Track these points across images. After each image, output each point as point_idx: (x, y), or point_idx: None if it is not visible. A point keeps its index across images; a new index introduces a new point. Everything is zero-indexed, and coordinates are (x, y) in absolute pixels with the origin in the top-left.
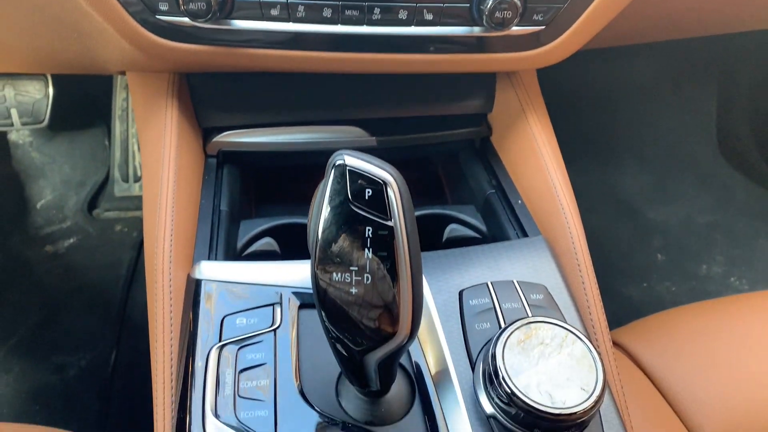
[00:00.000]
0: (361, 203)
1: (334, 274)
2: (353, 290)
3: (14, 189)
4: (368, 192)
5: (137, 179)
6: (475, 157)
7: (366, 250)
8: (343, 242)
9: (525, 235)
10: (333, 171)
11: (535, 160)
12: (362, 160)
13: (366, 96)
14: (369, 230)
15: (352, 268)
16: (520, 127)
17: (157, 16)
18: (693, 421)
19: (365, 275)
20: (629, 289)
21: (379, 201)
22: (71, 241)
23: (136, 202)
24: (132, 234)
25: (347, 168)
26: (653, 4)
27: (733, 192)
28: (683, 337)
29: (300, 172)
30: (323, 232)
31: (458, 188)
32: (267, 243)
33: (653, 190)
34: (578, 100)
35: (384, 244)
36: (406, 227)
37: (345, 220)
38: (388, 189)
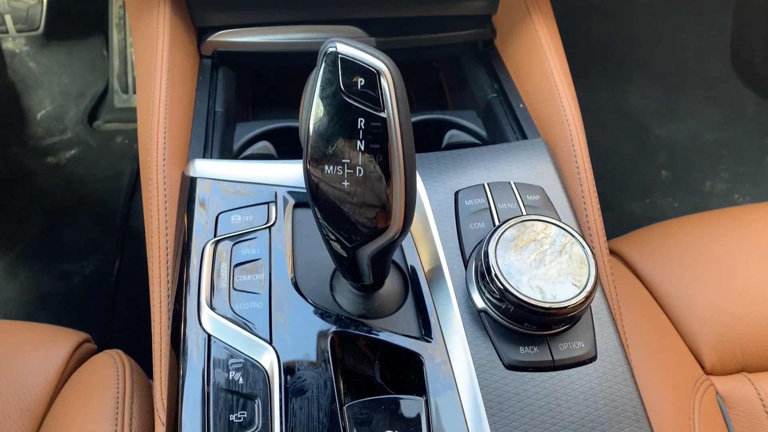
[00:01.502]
0: (353, 93)
1: (326, 168)
2: (345, 184)
3: (12, 99)
4: (361, 81)
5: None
6: (478, 61)
7: (358, 142)
8: (334, 134)
9: (525, 138)
10: (324, 59)
11: (540, 64)
12: (355, 48)
13: None
14: (361, 121)
15: (344, 161)
16: (525, 30)
17: None
18: (686, 327)
19: (357, 168)
20: (631, 205)
21: (371, 91)
22: (72, 152)
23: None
24: (133, 146)
25: (339, 56)
26: None
27: (743, 109)
28: (681, 246)
29: (298, 73)
30: (314, 123)
31: (459, 93)
32: (263, 146)
33: (661, 105)
34: (587, 12)
35: (376, 136)
36: (400, 118)
37: (336, 111)
38: (382, 78)
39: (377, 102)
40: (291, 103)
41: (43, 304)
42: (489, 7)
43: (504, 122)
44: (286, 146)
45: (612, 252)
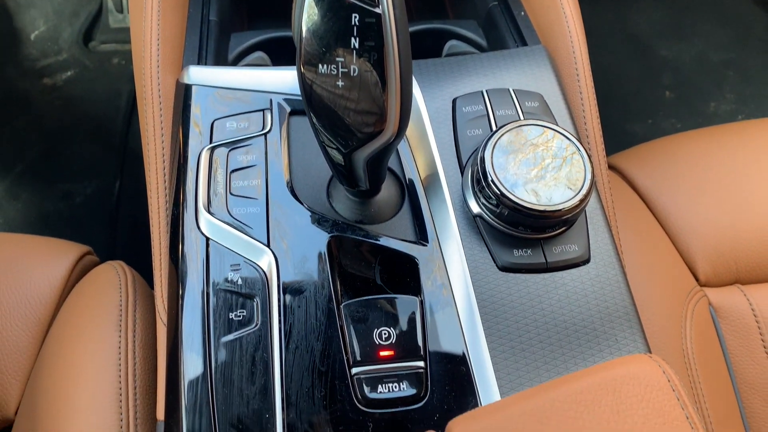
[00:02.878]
0: None
1: (320, 68)
2: (339, 84)
3: (4, 19)
4: None
5: None
6: None
7: (352, 40)
8: (328, 33)
9: (525, 45)
10: None
11: None
12: None
13: None
14: (355, 18)
15: (338, 60)
16: None
17: None
18: (682, 239)
19: (352, 68)
20: (634, 126)
21: None
22: (69, 73)
23: None
24: (130, 66)
25: None
26: None
27: (752, 29)
28: (681, 161)
29: None
30: (307, 22)
31: (459, 3)
32: (259, 57)
33: (668, 26)
34: None
35: (371, 32)
36: (395, 14)
37: (329, 7)
38: None
39: None
40: (287, 13)
41: (46, 224)
42: None
43: (505, 31)
44: (282, 57)
45: (611, 167)
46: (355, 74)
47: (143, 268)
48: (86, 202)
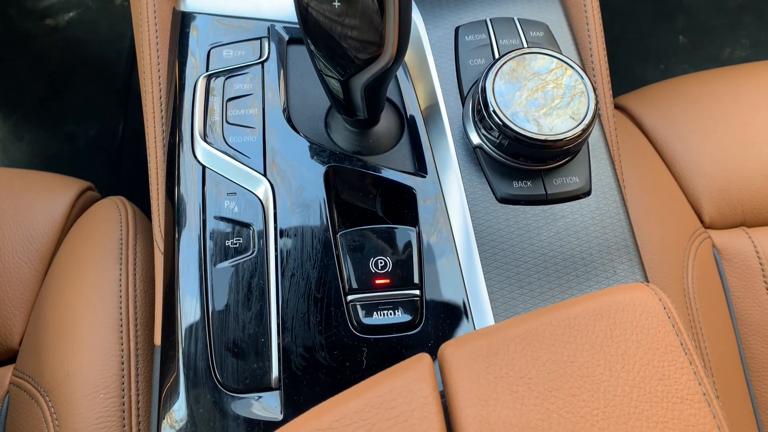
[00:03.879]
0: None
1: None
2: (336, 5)
3: None
4: None
5: None
6: None
7: None
8: None
9: None
10: None
11: None
12: None
13: None
14: None
15: None
16: None
17: None
18: (688, 180)
19: None
20: (645, 71)
21: None
22: (71, 14)
23: None
24: None
25: None
26: None
27: None
28: (690, 101)
29: None
30: None
31: None
32: None
33: None
34: None
35: None
36: None
37: None
38: None
39: None
40: None
41: (49, 166)
42: None
43: None
44: None
45: (618, 107)
46: None
47: (145, 205)
48: (90, 143)
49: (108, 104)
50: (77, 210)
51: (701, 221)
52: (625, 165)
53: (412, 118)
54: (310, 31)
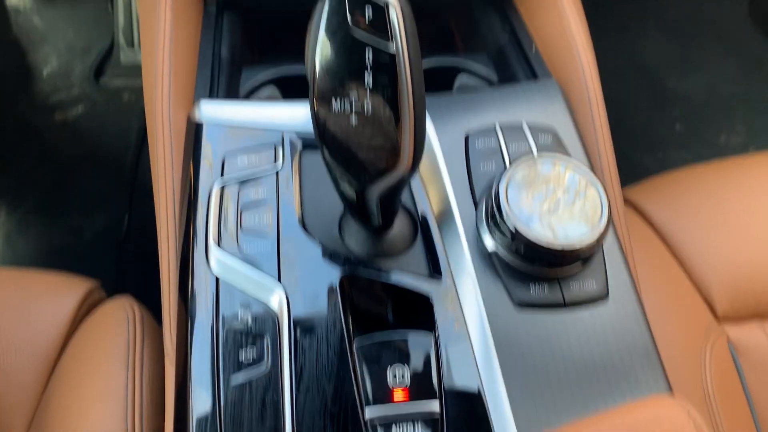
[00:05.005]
0: (360, 26)
1: (333, 104)
2: (353, 120)
3: (18, 56)
4: (368, 13)
5: None
6: (489, 5)
7: (366, 77)
8: (341, 70)
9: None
10: None
11: (554, 6)
12: None
13: None
14: (369, 55)
15: (351, 97)
16: None
17: None
18: (699, 274)
19: (365, 104)
20: (644, 159)
21: (380, 23)
22: (79, 109)
23: None
24: (140, 102)
25: None
26: None
27: (760, 61)
28: (696, 194)
29: (305, 16)
30: (320, 59)
31: (470, 38)
32: (270, 92)
33: (676, 57)
34: None
35: (385, 70)
36: (409, 53)
37: (343, 45)
38: (391, 10)
39: (386, 35)
40: (298, 47)
41: (55, 258)
42: None
43: (516, 66)
44: (292, 91)
45: (624, 200)
46: (369, 111)
47: (150, 302)
48: (95, 236)
49: (114, 196)
50: (83, 311)
51: (714, 314)
52: (635, 259)
53: (426, 221)
54: (327, 143)
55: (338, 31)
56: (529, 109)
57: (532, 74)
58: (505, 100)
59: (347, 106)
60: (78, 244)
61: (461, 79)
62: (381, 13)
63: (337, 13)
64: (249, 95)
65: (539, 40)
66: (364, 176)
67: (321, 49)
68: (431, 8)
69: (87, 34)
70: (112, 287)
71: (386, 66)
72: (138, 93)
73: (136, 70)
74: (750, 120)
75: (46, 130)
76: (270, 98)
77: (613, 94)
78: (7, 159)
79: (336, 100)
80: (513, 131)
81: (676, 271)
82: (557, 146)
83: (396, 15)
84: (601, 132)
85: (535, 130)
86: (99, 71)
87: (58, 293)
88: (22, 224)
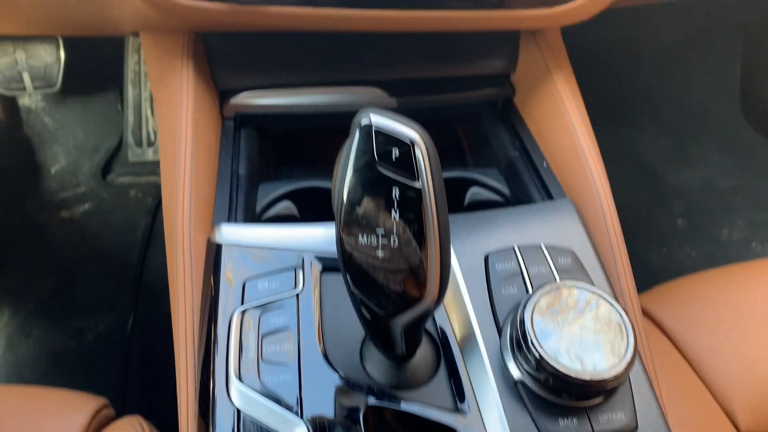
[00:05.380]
0: (387, 163)
1: (360, 238)
2: (379, 253)
3: (27, 154)
4: (395, 152)
5: (151, 144)
6: (498, 119)
7: (393, 212)
8: (368, 204)
9: (551, 197)
10: (358, 131)
11: (562, 122)
12: (388, 118)
13: (385, 56)
14: (396, 192)
15: (378, 231)
16: (546, 88)
17: None
18: (719, 388)
19: (392, 238)
20: (648, 255)
21: (406, 161)
22: (86, 206)
23: (150, 167)
24: (147, 199)
25: (373, 127)
26: None
27: (756, 155)
28: (710, 303)
29: (319, 134)
30: (348, 194)
31: (479, 151)
32: (286, 207)
33: (674, 153)
34: (595, 60)
35: (411, 205)
36: (434, 188)
37: (371, 181)
38: (416, 148)
39: (412, 172)
40: (311, 162)
41: (57, 363)
42: (508, 66)
43: (528, 181)
44: (308, 206)
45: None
46: (395, 244)
47: (157, 411)
48: (99, 339)
49: (119, 298)
50: (93, 430)
51: (737, 429)
52: (658, 380)
53: (449, 348)
54: (352, 274)
55: (366, 168)
56: (547, 230)
57: (545, 190)
58: (522, 220)
59: (374, 239)
60: (80, 348)
61: (473, 192)
62: (407, 150)
63: (364, 152)
64: (265, 210)
65: (549, 154)
66: (389, 307)
67: (348, 185)
68: (440, 122)
69: (96, 133)
70: (116, 395)
71: (412, 201)
72: (145, 189)
73: (143, 167)
74: (750, 214)
75: (51, 228)
76: (286, 213)
77: (613, 190)
78: (12, 258)
79: (362, 232)
80: (532, 252)
81: (695, 384)
82: (577, 268)
83: (421, 153)
84: (619, 254)
85: (555, 252)
86: (106, 169)
87: (66, 413)
88: (24, 327)
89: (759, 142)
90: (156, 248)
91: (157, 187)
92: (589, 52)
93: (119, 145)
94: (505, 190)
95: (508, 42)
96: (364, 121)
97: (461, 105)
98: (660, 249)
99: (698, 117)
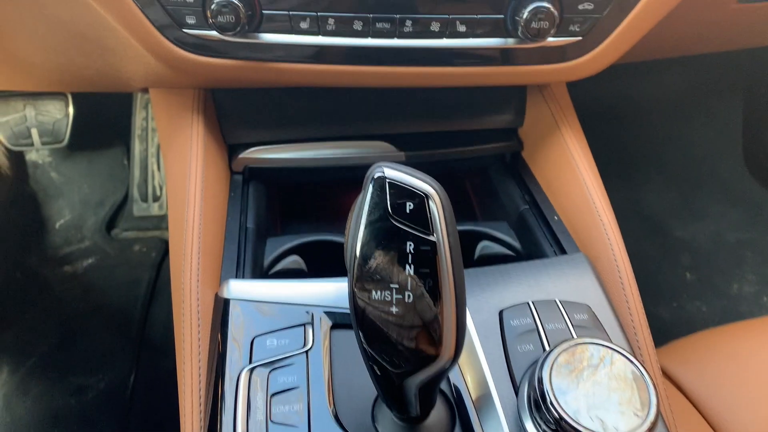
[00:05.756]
0: (401, 217)
1: (374, 293)
2: (393, 309)
3: (32, 208)
4: (409, 205)
5: (156, 199)
6: (506, 173)
7: (407, 266)
8: (382, 259)
9: (563, 252)
10: (372, 184)
11: (572, 175)
12: (402, 172)
13: (394, 110)
14: (410, 246)
15: (392, 285)
16: (554, 141)
17: (184, 30)
18: None
19: (406, 293)
20: (659, 309)
21: (420, 215)
22: (90, 261)
23: (155, 222)
24: (151, 254)
25: (387, 180)
26: (684, 20)
27: (761, 208)
28: (726, 360)
29: (327, 188)
30: (362, 248)
31: (488, 204)
32: (294, 261)
33: (680, 206)
34: (599, 115)
35: (426, 260)
36: (449, 242)
37: (384, 235)
38: (430, 202)
39: (426, 226)
40: (319, 216)
41: (55, 423)
42: (515, 120)
43: (539, 235)
44: (315, 260)
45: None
46: (410, 300)
47: None
48: (99, 397)
49: (120, 354)
50: None
51: None
52: None
53: (464, 408)
54: (365, 330)
55: (379, 222)
56: (562, 285)
57: (557, 244)
58: (536, 275)
59: (388, 294)
60: (80, 406)
61: (483, 245)
62: (421, 204)
63: (378, 205)
64: (273, 264)
65: (560, 208)
66: (404, 366)
67: (362, 239)
68: (448, 175)
69: (102, 188)
70: None
71: (427, 255)
72: (149, 244)
73: (148, 222)
74: (760, 268)
75: (54, 283)
76: (293, 267)
77: None
78: (13, 313)
79: (376, 288)
80: (547, 308)
81: None
82: (594, 325)
83: (435, 206)
84: (636, 309)
85: (570, 308)
86: (111, 223)
87: None
88: (22, 385)
89: (764, 196)
90: (159, 303)
91: (162, 242)
92: (590, 104)
93: (124, 200)
94: (516, 243)
95: (516, 96)
96: (378, 174)
97: (469, 158)
98: (670, 303)
99: (702, 170)
